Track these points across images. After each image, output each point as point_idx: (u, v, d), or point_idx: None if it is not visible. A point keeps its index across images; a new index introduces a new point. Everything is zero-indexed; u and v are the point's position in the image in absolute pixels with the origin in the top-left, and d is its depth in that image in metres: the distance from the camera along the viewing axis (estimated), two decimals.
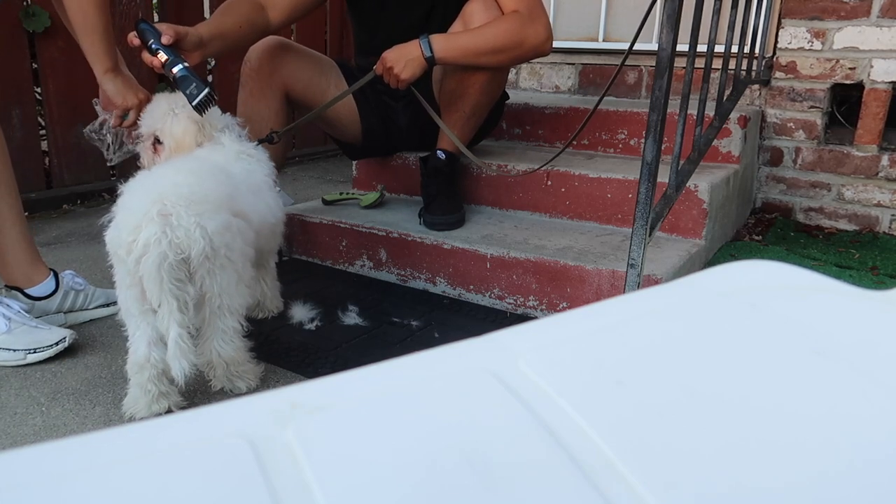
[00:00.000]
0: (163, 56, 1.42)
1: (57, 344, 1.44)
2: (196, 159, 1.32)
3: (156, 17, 2.98)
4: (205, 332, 1.23)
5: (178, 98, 1.44)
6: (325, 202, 2.19)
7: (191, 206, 1.12)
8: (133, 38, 1.45)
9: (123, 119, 1.51)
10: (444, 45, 1.72)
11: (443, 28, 1.83)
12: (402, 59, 1.71)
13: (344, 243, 2.01)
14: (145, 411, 1.21)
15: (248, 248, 1.27)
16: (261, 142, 1.61)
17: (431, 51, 1.70)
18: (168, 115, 1.43)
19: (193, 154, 1.38)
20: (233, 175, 1.34)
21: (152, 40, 1.42)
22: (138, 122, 1.48)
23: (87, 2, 1.37)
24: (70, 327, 1.57)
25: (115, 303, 1.67)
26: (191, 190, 1.14)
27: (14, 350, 1.41)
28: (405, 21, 1.92)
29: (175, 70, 1.41)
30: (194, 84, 1.38)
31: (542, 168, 1.85)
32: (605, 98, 2.65)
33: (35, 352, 1.42)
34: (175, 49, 1.45)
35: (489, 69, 1.81)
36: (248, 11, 1.71)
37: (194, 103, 1.38)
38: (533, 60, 2.87)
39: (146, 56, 1.45)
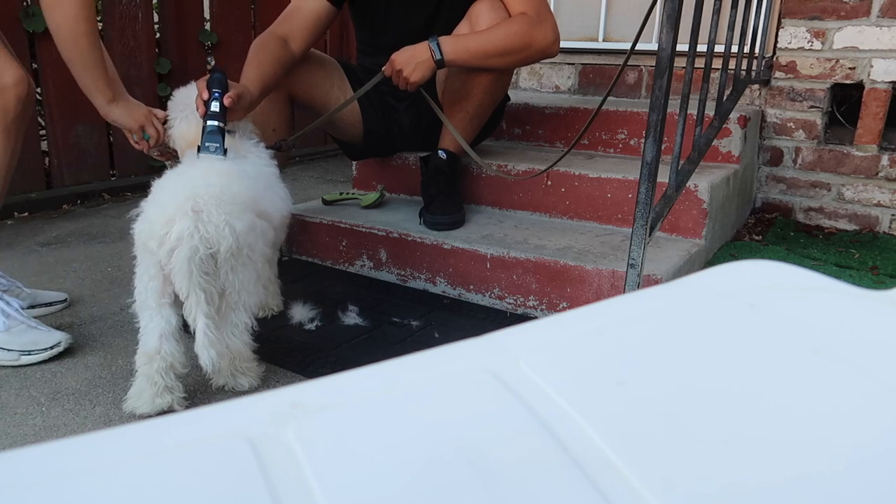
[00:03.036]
0: (214, 107, 1.44)
1: (52, 347, 1.43)
2: (223, 162, 1.34)
3: (156, 17, 2.98)
4: (217, 325, 1.25)
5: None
6: (325, 202, 2.19)
7: (221, 206, 1.18)
8: (203, 90, 1.45)
9: (146, 139, 1.51)
10: (454, 47, 1.71)
11: (448, 29, 1.83)
12: (412, 62, 1.70)
13: (344, 243, 2.01)
14: (148, 405, 1.22)
15: (268, 248, 1.32)
16: (269, 148, 1.62)
17: (441, 53, 1.70)
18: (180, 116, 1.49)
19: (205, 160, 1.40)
20: (251, 175, 1.36)
21: (217, 91, 1.44)
22: (165, 129, 1.52)
23: (81, 39, 1.35)
24: None
25: (39, 305, 1.66)
26: (221, 191, 1.19)
27: (9, 350, 1.41)
28: (410, 22, 1.92)
29: (208, 122, 1.43)
30: (217, 145, 1.40)
31: (545, 171, 1.85)
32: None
33: (30, 353, 1.42)
34: (225, 110, 1.45)
35: (496, 71, 1.81)
36: (277, 51, 1.71)
37: (202, 147, 1.41)
38: None
39: (199, 99, 1.45)
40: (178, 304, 1.21)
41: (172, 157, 1.57)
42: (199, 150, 1.36)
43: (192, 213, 1.15)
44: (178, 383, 1.24)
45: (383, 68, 1.76)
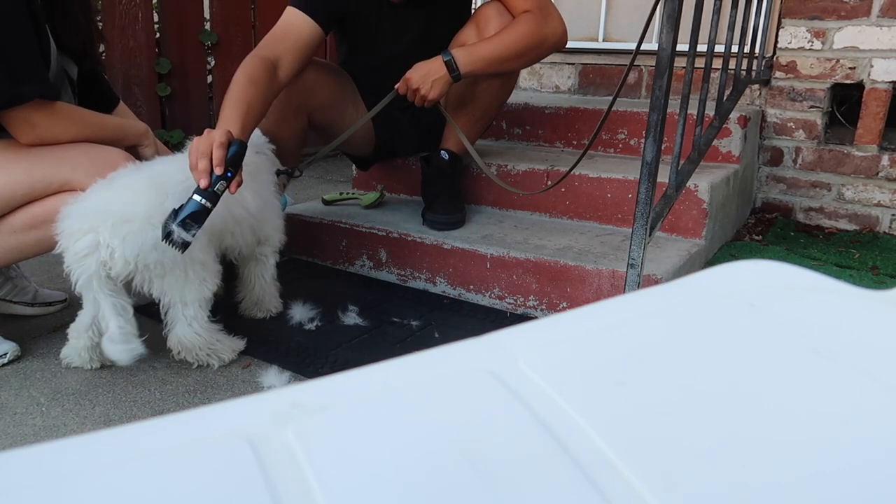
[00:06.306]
0: (220, 188, 1.26)
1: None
2: (140, 173, 1.32)
3: (156, 17, 2.98)
4: (167, 317, 1.35)
5: None
6: (325, 202, 2.19)
7: (116, 227, 1.20)
8: (220, 161, 1.26)
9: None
10: (468, 58, 1.69)
11: (439, 44, 1.81)
12: (429, 79, 1.68)
13: (344, 243, 2.01)
14: (78, 362, 1.39)
15: (196, 252, 1.29)
16: (281, 173, 1.61)
17: (456, 67, 1.68)
18: None
19: (145, 164, 1.39)
20: (182, 180, 1.31)
21: (230, 172, 1.26)
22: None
23: (83, 131, 1.40)
24: None
25: (40, 304, 1.69)
26: (118, 209, 1.22)
27: None
28: (400, 42, 1.87)
29: (196, 197, 1.23)
30: (195, 229, 1.22)
31: (552, 186, 1.84)
32: (605, 98, 2.65)
33: None
34: (219, 192, 1.27)
35: (507, 74, 1.80)
36: (266, 86, 1.54)
37: (171, 229, 1.21)
38: None
39: (204, 168, 1.26)
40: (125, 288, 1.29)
41: None
42: (171, 220, 1.21)
43: (87, 235, 1.20)
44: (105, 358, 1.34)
45: (397, 86, 1.74)
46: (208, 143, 1.27)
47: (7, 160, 1.34)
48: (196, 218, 1.22)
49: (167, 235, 1.20)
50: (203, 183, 1.24)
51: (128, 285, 1.28)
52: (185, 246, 1.22)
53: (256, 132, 1.61)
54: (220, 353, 1.41)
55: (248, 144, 1.45)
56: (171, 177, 1.31)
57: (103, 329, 1.27)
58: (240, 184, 1.31)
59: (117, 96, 1.66)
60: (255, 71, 1.53)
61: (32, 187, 1.34)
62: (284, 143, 1.78)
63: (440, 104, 1.82)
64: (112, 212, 1.21)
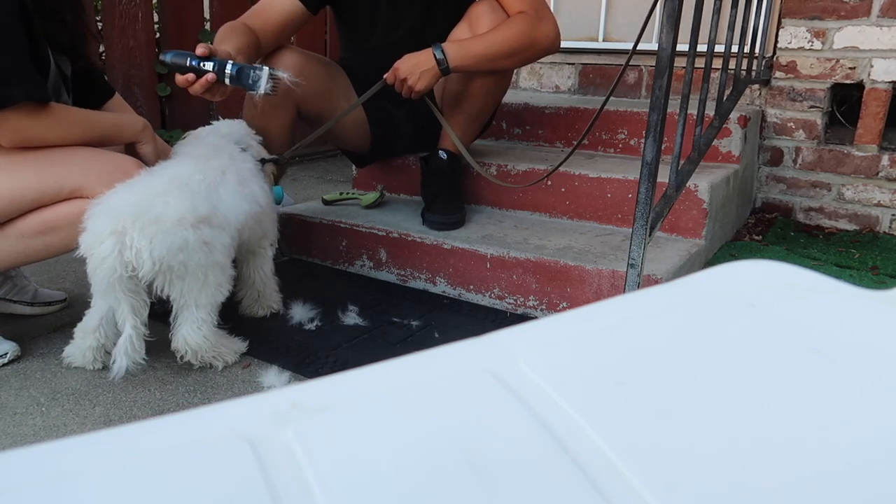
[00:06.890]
0: (208, 66, 1.40)
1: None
2: (161, 174, 1.34)
3: (156, 17, 2.98)
4: (176, 319, 1.35)
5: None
6: (325, 202, 2.19)
7: (145, 228, 1.22)
8: (189, 79, 1.41)
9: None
10: (459, 53, 1.69)
11: (437, 35, 1.81)
12: (417, 71, 1.68)
13: (344, 243, 2.01)
14: (80, 362, 1.40)
15: (218, 254, 1.34)
16: (267, 161, 1.61)
17: (446, 60, 1.68)
18: None
19: (161, 167, 1.40)
20: (203, 180, 1.35)
21: (189, 60, 1.39)
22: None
23: (72, 131, 1.38)
24: None
25: (39, 304, 1.70)
26: (147, 210, 1.23)
27: None
28: (398, 29, 1.88)
29: (228, 70, 1.40)
30: (252, 71, 1.39)
31: (545, 178, 1.84)
32: None
33: None
34: (213, 55, 1.42)
35: (500, 72, 1.80)
36: (250, 39, 1.65)
37: (261, 90, 1.41)
38: None
39: (196, 81, 1.41)
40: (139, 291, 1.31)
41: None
42: (257, 94, 1.40)
43: (113, 235, 1.21)
44: (108, 357, 1.35)
45: (385, 76, 1.73)
46: (178, 80, 1.43)
47: (16, 164, 1.33)
48: (246, 75, 1.40)
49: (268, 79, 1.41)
50: (210, 77, 1.40)
51: (149, 286, 1.29)
52: (275, 84, 1.42)
53: (242, 125, 1.62)
54: (224, 355, 1.41)
55: (234, 142, 1.53)
56: (193, 177, 1.35)
57: (119, 327, 1.29)
58: (204, 47, 1.42)
59: (113, 90, 1.65)
60: (237, 26, 1.66)
61: (42, 192, 1.33)
62: (273, 134, 1.79)
63: (431, 100, 1.82)
64: (141, 212, 1.22)
